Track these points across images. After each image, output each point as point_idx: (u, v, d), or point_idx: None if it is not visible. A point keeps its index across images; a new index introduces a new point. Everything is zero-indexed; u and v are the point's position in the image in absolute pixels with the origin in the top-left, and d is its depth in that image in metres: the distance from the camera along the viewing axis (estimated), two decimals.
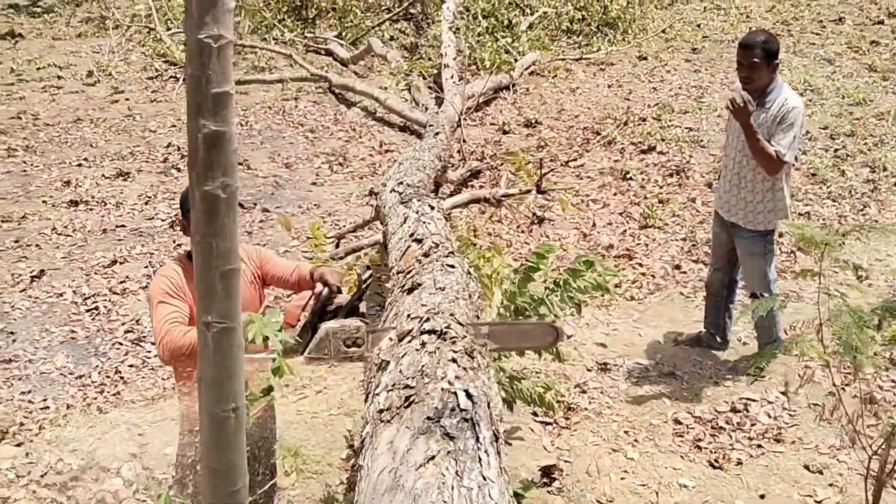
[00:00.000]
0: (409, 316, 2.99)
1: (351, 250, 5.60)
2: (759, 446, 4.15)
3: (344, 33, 12.68)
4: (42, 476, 4.12)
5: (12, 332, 5.56)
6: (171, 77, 11.06)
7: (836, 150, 8.05)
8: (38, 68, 11.52)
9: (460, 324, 2.85)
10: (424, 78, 10.41)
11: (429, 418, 2.10)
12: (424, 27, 12.71)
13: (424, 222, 4.57)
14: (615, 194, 7.70)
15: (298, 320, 2.88)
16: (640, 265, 6.50)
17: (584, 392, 4.64)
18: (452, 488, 1.79)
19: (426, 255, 3.90)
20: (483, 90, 9.58)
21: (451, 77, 9.39)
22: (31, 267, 6.36)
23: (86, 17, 14.45)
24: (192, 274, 2.96)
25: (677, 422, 4.38)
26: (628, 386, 4.70)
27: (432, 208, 4.83)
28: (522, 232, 7.07)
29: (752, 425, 4.31)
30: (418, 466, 1.90)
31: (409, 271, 3.73)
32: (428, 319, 2.86)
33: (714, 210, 4.98)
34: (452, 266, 3.57)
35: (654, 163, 8.26)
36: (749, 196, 4.57)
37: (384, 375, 2.51)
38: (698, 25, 12.90)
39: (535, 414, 4.44)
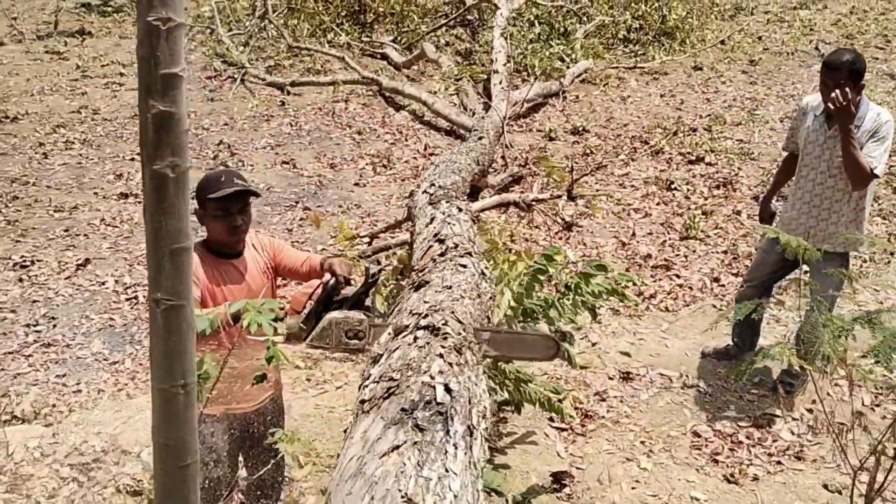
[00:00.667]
0: (410, 312, 3.01)
1: (380, 249, 5.65)
2: (779, 463, 4.05)
3: (400, 38, 12.80)
4: (66, 456, 4.25)
5: (54, 318, 5.75)
6: (228, 77, 11.29)
7: (890, 168, 7.80)
8: (103, 65, 11.89)
9: (459, 321, 2.86)
10: (474, 83, 10.45)
11: (403, 409, 2.12)
12: (480, 33, 12.75)
13: (450, 223, 4.59)
14: (658, 204, 7.60)
15: (304, 307, 2.91)
16: (678, 276, 6.41)
17: (603, 400, 4.59)
18: (410, 477, 1.80)
19: (442, 254, 3.93)
20: (530, 96, 9.56)
21: (500, 83, 9.39)
22: (77, 255, 6.57)
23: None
24: (209, 260, 3.05)
25: (696, 434, 4.30)
26: (649, 396, 4.63)
27: (460, 210, 4.86)
28: (560, 238, 7.04)
29: (774, 441, 4.21)
30: (382, 455, 1.92)
31: (424, 269, 3.76)
32: (426, 316, 2.88)
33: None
34: (464, 266, 3.59)
35: (702, 174, 8.14)
36: (827, 215, 4.34)
37: (374, 368, 2.54)
38: (759, 38, 12.66)
39: (551, 420, 4.41)
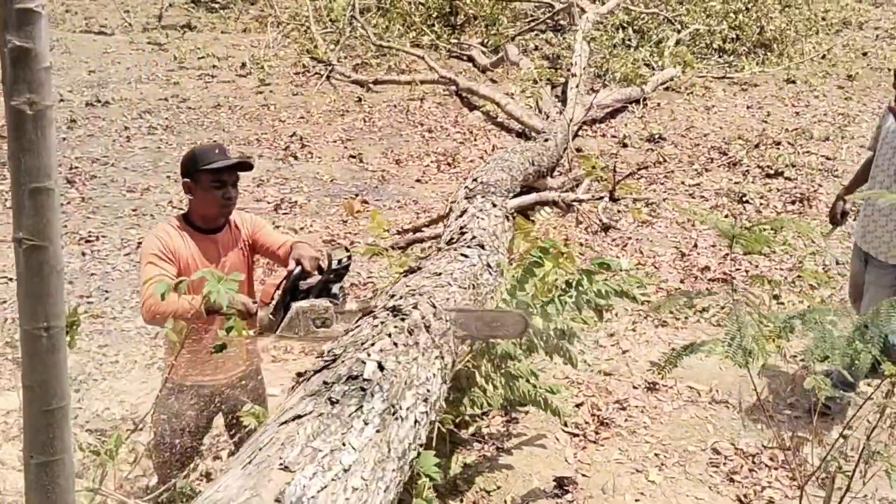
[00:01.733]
0: (390, 295, 2.97)
1: (412, 241, 5.63)
2: (800, 488, 3.78)
3: (487, 41, 12.78)
4: (87, 421, 4.39)
5: (107, 291, 5.96)
6: (315, 73, 11.53)
7: None
8: (199, 58, 12.33)
9: (433, 306, 2.80)
10: (553, 86, 10.31)
11: (325, 382, 2.08)
12: (568, 37, 12.60)
13: (479, 217, 4.54)
14: (727, 216, 7.29)
15: (272, 299, 2.89)
16: (735, 291, 6.11)
17: (623, 409, 4.41)
18: (297, 447, 1.76)
19: (450, 243, 3.87)
20: (608, 101, 9.38)
21: (577, 86, 9.23)
22: (140, 234, 6.80)
23: (257, 15, 15.37)
24: (189, 235, 3.06)
25: (716, 451, 4.08)
26: (673, 409, 4.42)
27: (494, 206, 4.79)
28: (617, 246, 6.85)
29: (799, 465, 3.94)
30: (281, 423, 1.89)
31: (427, 257, 3.70)
32: (401, 298, 2.83)
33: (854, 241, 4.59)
34: (465, 256, 3.52)
35: (778, 188, 7.78)
36: (885, 222, 4.18)
37: (327, 345, 2.51)
38: (865, 53, 12.05)
39: (564, 424, 4.27)
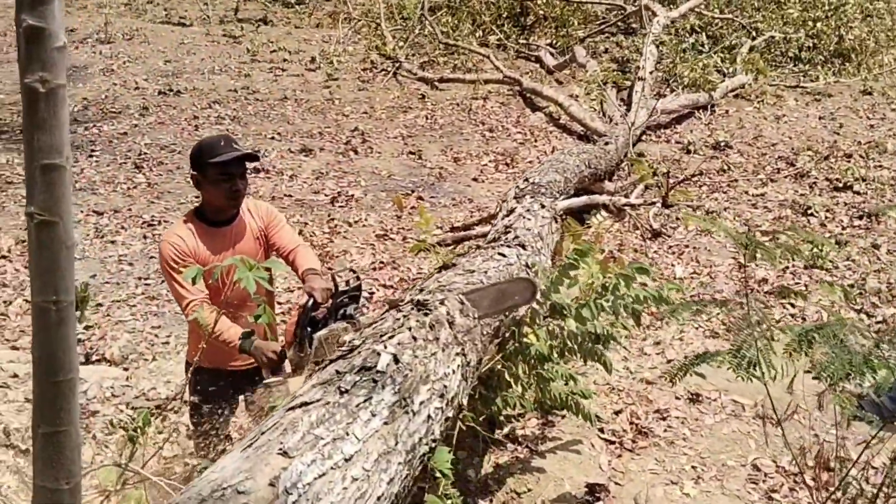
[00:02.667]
0: (420, 289, 2.98)
1: (460, 239, 5.63)
2: None
3: (556, 42, 12.69)
4: (134, 398, 4.52)
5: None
6: (382, 70, 11.63)
7: None
8: (272, 51, 12.57)
9: (462, 303, 2.79)
10: (619, 90, 10.18)
11: (337, 371, 2.09)
12: (639, 41, 12.43)
13: (526, 218, 4.52)
14: (788, 229, 7.09)
15: (295, 337, 2.92)
16: (793, 305, 5.94)
17: (663, 419, 4.33)
18: (298, 433, 1.77)
19: (492, 241, 3.85)
20: (674, 107, 9.23)
21: (642, 90, 9.10)
22: None
23: (330, 11, 15.58)
24: (201, 231, 3.10)
25: (756, 468, 3.97)
26: (714, 422, 4.32)
27: (542, 207, 4.75)
28: (672, 253, 6.72)
29: (857, 495, 3.80)
30: (288, 409, 1.90)
31: (465, 254, 3.70)
32: (428, 293, 2.83)
33: None
34: (503, 255, 3.50)
35: (846, 202, 7.52)
36: None
37: (349, 335, 2.52)
38: None
39: (601, 430, 4.21)
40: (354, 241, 6.73)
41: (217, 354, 3.13)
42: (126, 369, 4.86)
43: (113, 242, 6.62)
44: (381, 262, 6.37)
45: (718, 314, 5.44)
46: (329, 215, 7.15)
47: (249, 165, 3.25)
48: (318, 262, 3.26)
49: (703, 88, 9.84)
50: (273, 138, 8.90)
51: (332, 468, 1.73)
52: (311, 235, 6.77)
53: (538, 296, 3.01)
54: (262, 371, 3.06)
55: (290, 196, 7.52)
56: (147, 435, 2.97)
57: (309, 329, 2.89)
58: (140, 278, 6.07)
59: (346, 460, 1.78)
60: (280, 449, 1.69)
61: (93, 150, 8.53)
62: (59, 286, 1.57)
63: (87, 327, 5.38)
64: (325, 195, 7.59)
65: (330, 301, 2.92)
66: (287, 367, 2.98)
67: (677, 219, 6.98)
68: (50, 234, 1.53)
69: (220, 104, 9.87)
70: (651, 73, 9.67)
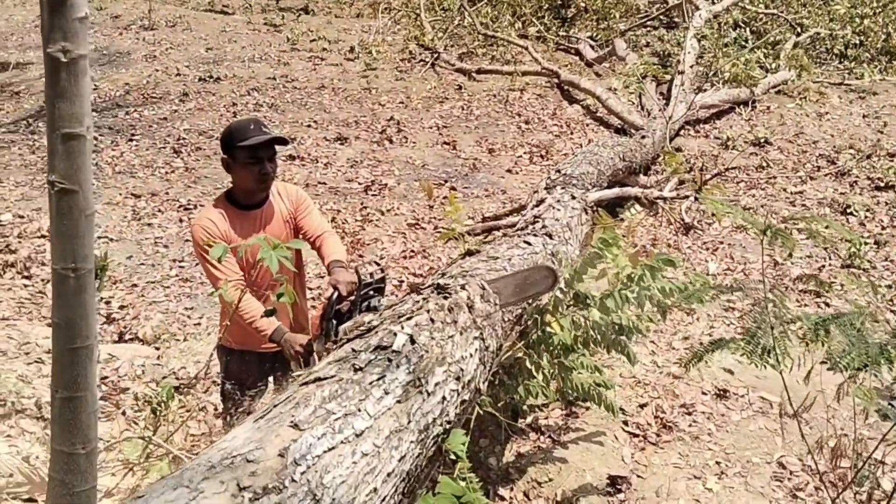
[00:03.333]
0: (441, 274, 2.98)
1: (489, 228, 5.62)
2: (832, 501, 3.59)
3: (597, 35, 12.60)
4: (163, 378, 4.59)
5: None
6: (420, 60, 11.64)
7: None
8: (311, 40, 12.65)
9: (483, 289, 2.79)
10: (658, 83, 10.08)
11: (353, 350, 2.11)
12: (681, 35, 12.29)
13: (555, 208, 4.50)
14: (826, 227, 6.96)
15: (321, 329, 2.95)
16: (827, 305, 5.85)
17: (688, 413, 4.29)
18: (309, 407, 1.79)
19: (519, 230, 3.85)
20: (714, 101, 9.12)
21: (682, 84, 9.00)
22: None
23: (371, 1, 15.64)
24: (232, 214, 3.13)
25: (782, 466, 3.92)
26: (741, 418, 4.27)
27: (573, 198, 4.74)
28: (707, 249, 6.64)
29: (872, 488, 3.74)
30: (302, 384, 1.92)
31: (491, 242, 3.69)
32: (449, 277, 2.84)
33: None
34: (529, 244, 3.49)
35: (887, 201, 7.37)
36: None
37: (369, 315, 2.54)
38: None
39: (625, 423, 4.19)
40: (386, 229, 6.76)
41: (248, 336, 3.17)
42: (157, 349, 4.94)
43: (149, 225, 6.72)
44: (412, 251, 6.39)
45: (737, 300, 5.38)
46: (362, 203, 7.19)
47: (283, 151, 3.28)
48: (343, 252, 3.27)
49: (745, 84, 9.70)
50: (309, 126, 8.97)
51: (342, 442, 1.74)
52: (343, 223, 6.81)
53: (560, 284, 3.00)
54: (291, 363, 3.10)
55: (324, 183, 7.56)
56: (171, 410, 3.03)
57: (334, 321, 2.91)
58: (175, 260, 6.16)
59: (357, 435, 1.79)
60: (291, 422, 1.72)
61: (133, 135, 8.66)
62: (78, 254, 1.60)
63: (121, 307, 5.49)
64: (359, 183, 7.63)
65: (354, 294, 2.94)
66: (315, 359, 3.01)
67: (712, 214, 6.90)
68: (70, 203, 1.57)
69: (259, 92, 9.97)
70: (692, 67, 9.56)
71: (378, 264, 3.04)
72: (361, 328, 2.31)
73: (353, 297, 2.95)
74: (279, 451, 1.61)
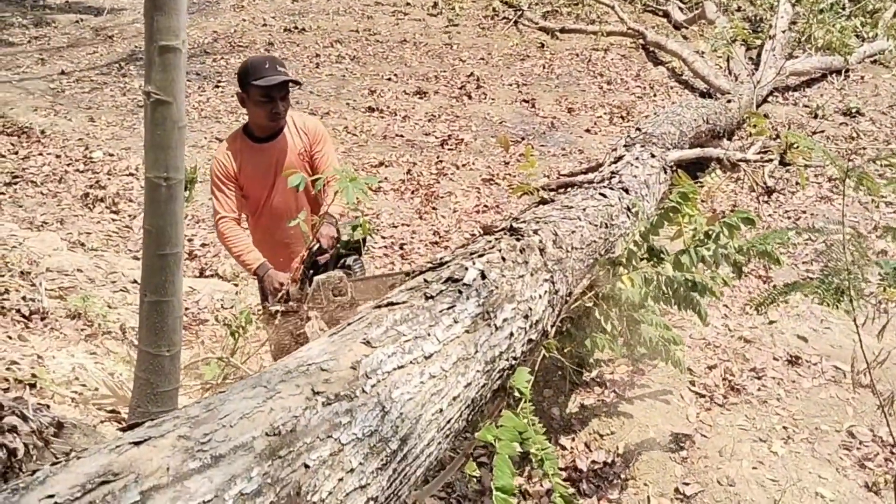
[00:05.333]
0: (515, 219, 3.01)
1: (564, 184, 5.57)
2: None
3: None
4: (240, 312, 4.74)
5: None
6: (503, 18, 11.54)
7: None
8: None
9: (555, 234, 2.81)
10: (748, 48, 9.78)
11: (426, 280, 2.15)
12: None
13: (634, 166, 4.46)
14: None
15: (302, 274, 3.18)
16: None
17: (758, 378, 4.23)
18: (381, 327, 1.85)
19: (594, 183, 3.83)
20: (805, 69, 8.81)
21: (772, 49, 8.71)
22: None
23: None
24: (246, 147, 3.27)
25: (851, 435, 3.84)
26: (812, 386, 4.19)
27: (653, 156, 4.68)
28: (788, 218, 6.48)
29: None
30: (376, 307, 1.98)
31: (565, 194, 3.69)
32: (522, 222, 2.86)
33: None
34: (604, 196, 3.48)
35: None
36: None
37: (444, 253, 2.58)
38: None
39: (692, 383, 4.16)
40: (461, 183, 6.79)
41: (271, 259, 3.42)
42: (236, 285, 5.10)
43: None
44: (485, 206, 6.42)
45: (813, 239, 5.24)
46: (438, 157, 7.23)
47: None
48: (340, 208, 3.36)
49: (838, 52, 9.32)
50: (389, 79, 9.02)
51: (411, 362, 1.79)
52: (418, 175, 6.87)
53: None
54: (268, 297, 3.30)
55: (402, 136, 7.62)
56: (249, 335, 3.15)
57: (311, 271, 3.16)
58: None
59: (426, 358, 1.84)
60: (364, 339, 1.77)
61: (219, 82, 8.86)
62: (169, 163, 1.68)
63: (202, 245, 5.67)
64: (436, 137, 7.66)
65: (333, 249, 3.18)
66: (291, 295, 3.21)
67: (796, 183, 6.71)
68: (164, 113, 1.64)
69: (342, 44, 10.05)
70: (784, 32, 9.23)
71: (361, 227, 3.20)
72: (435, 262, 2.36)
73: (332, 252, 3.21)
74: (352, 364, 1.67)
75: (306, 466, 1.39)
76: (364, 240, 3.18)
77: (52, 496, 1.12)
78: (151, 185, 1.69)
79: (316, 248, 3.14)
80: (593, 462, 3.73)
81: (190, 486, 1.21)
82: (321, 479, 1.40)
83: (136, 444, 1.26)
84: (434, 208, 6.34)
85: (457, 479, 3.53)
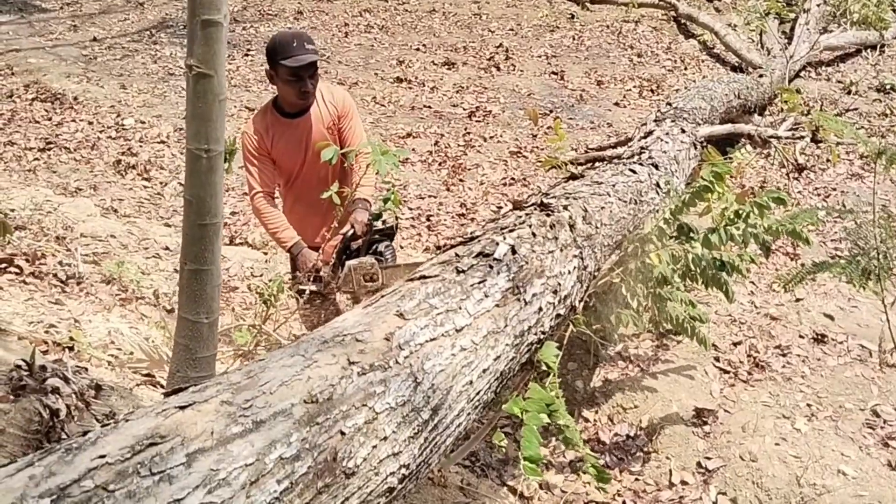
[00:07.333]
0: (545, 194, 3.02)
1: (592, 159, 5.56)
2: None
3: None
4: (269, 280, 4.80)
5: None
6: None
7: None
8: None
9: (585, 210, 2.83)
10: (782, 22, 9.63)
11: (457, 254, 2.19)
12: None
13: (664, 141, 4.46)
14: None
15: (334, 258, 3.25)
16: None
17: (783, 355, 4.24)
18: (414, 300, 1.89)
19: (623, 158, 3.83)
20: (840, 43, 8.68)
21: (806, 23, 8.58)
22: None
23: None
24: (276, 121, 3.30)
25: (876, 414, 3.85)
26: (838, 364, 4.19)
27: (683, 132, 4.67)
28: (818, 195, 6.43)
29: None
30: (409, 280, 2.02)
31: (595, 169, 3.70)
32: (552, 197, 2.88)
33: None
34: (634, 172, 3.49)
35: None
36: None
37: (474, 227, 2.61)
38: None
39: (716, 359, 4.18)
40: (488, 156, 6.80)
41: (303, 233, 3.47)
42: (265, 254, 5.17)
43: None
44: (512, 179, 6.42)
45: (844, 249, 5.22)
46: (465, 129, 7.23)
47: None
48: (371, 190, 3.40)
49: (874, 27, 9.17)
50: (418, 49, 9.00)
51: (442, 335, 1.84)
52: (446, 147, 6.88)
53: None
54: (300, 275, 3.36)
55: (430, 107, 7.63)
56: (280, 302, 3.21)
57: (344, 256, 3.22)
58: None
59: (457, 330, 1.88)
60: (397, 311, 1.82)
61: (248, 50, 8.89)
62: (210, 135, 1.72)
63: (232, 213, 5.74)
64: (464, 109, 7.66)
65: (367, 235, 3.23)
66: (324, 277, 3.29)
67: (827, 160, 6.65)
68: (205, 86, 1.68)
69: (371, 13, 10.03)
70: (818, 5, 9.09)
71: (394, 213, 3.28)
72: (466, 236, 2.39)
73: (365, 238, 3.25)
74: (385, 335, 1.71)
75: (342, 433, 1.43)
76: (395, 226, 3.25)
77: (103, 456, 1.18)
78: (192, 157, 1.73)
79: (351, 233, 3.19)
80: (616, 435, 3.77)
81: (233, 450, 1.27)
82: (356, 446, 1.45)
83: (182, 408, 1.31)
84: (461, 180, 6.36)
85: (480, 448, 3.59)
